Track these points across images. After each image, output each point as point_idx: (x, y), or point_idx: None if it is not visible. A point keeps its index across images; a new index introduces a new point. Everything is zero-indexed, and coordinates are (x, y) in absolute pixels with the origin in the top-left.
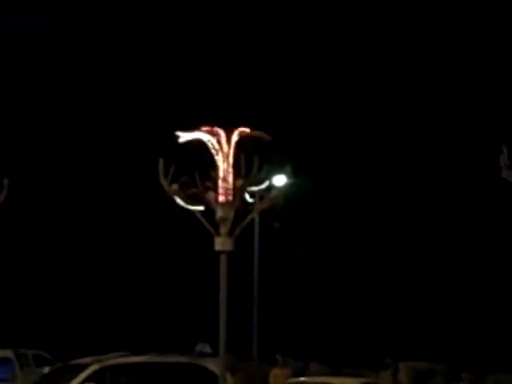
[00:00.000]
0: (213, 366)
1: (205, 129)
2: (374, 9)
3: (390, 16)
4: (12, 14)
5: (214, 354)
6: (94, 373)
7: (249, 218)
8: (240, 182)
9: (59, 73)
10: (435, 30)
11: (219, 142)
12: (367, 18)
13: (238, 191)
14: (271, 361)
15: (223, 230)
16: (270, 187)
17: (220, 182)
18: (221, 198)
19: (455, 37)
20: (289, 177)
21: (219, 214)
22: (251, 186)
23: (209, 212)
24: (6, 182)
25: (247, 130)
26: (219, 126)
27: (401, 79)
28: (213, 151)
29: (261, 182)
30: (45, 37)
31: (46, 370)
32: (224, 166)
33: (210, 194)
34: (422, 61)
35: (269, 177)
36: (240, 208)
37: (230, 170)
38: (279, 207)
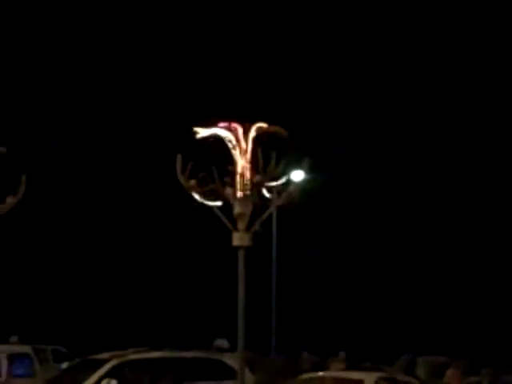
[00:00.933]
0: (231, 361)
1: (222, 124)
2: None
3: (401, 15)
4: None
5: (232, 350)
6: (113, 368)
7: (267, 213)
8: (258, 178)
9: (75, 67)
10: (444, 24)
11: (237, 138)
12: (382, 16)
13: (255, 186)
14: (290, 356)
15: (241, 225)
16: (288, 182)
17: (238, 178)
18: (238, 194)
19: (463, 29)
20: (306, 172)
21: (237, 209)
22: (269, 181)
23: (226, 207)
24: (23, 178)
25: (265, 125)
26: (237, 122)
27: (414, 76)
28: (230, 147)
29: (278, 178)
30: (58, 27)
31: (65, 365)
32: (241, 161)
33: (228, 190)
34: (437, 55)
35: (286, 172)
36: (258, 203)
37: (248, 165)
38: (296, 202)
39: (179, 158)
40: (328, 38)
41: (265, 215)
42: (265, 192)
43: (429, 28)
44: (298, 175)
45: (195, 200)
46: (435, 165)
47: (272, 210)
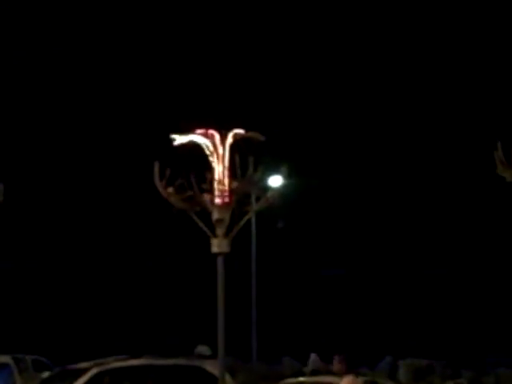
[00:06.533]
0: (212, 367)
1: (199, 131)
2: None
3: (387, 14)
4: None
5: (214, 356)
6: (94, 377)
7: (245, 219)
8: (235, 184)
9: (56, 74)
10: (430, 27)
11: (214, 144)
12: (364, 16)
13: (233, 193)
14: (271, 361)
15: (219, 231)
16: (266, 188)
17: (215, 184)
18: (217, 200)
19: (452, 33)
20: (285, 177)
21: (215, 215)
22: (247, 187)
23: (205, 214)
24: (1, 187)
25: (241, 131)
26: (213, 129)
27: (396, 76)
28: (208, 153)
29: (256, 183)
30: (42, 36)
31: (45, 375)
32: (219, 167)
33: (206, 196)
34: (421, 58)
35: (264, 178)
36: (236, 209)
37: (226, 171)
38: (276, 208)
39: (157, 165)
40: (302, 40)
41: (243, 221)
42: (243, 198)
43: (426, 44)
44: (276, 180)
45: (173, 208)
46: (424, 163)
47: (251, 215)
